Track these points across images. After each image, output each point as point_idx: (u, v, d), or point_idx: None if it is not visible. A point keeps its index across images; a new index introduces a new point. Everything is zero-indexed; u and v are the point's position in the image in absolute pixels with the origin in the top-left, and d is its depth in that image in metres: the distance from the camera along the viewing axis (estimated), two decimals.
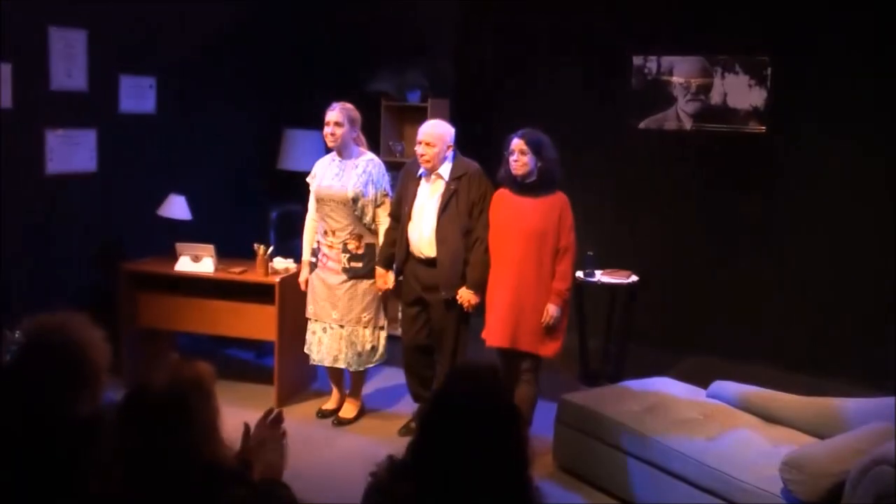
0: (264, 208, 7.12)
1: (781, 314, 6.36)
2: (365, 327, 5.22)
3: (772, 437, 4.13)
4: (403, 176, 5.12)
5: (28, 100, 5.42)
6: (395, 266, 5.10)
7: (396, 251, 5.05)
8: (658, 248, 6.74)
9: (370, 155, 5.24)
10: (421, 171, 4.95)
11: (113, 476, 2.14)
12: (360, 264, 5.16)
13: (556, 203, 4.70)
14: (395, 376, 6.13)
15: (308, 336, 5.38)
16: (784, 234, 6.33)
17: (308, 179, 5.33)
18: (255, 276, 5.57)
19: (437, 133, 4.88)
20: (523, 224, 4.67)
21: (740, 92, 6.44)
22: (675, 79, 6.69)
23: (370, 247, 5.18)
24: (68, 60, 5.69)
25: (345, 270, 5.16)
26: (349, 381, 5.49)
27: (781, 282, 6.36)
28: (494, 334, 4.75)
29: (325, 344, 5.28)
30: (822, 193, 6.20)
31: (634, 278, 6.07)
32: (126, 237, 6.09)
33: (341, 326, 5.22)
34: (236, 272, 5.61)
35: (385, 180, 5.20)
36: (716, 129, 6.56)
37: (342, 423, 5.39)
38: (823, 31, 6.09)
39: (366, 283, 5.18)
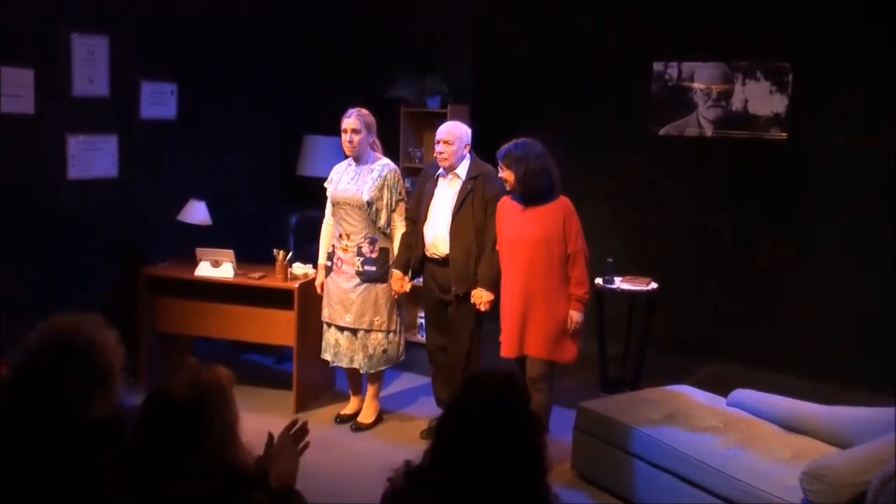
0: (284, 214, 7.15)
1: (802, 322, 6.31)
2: (378, 331, 5.25)
3: (792, 446, 4.10)
4: (421, 177, 5.24)
5: (50, 106, 5.47)
6: (411, 268, 5.17)
7: (413, 253, 5.12)
8: (678, 254, 6.71)
9: (386, 160, 5.29)
10: (439, 171, 5.06)
11: (132, 478, 2.15)
12: (373, 268, 5.18)
13: (558, 210, 4.69)
14: (413, 380, 6.16)
15: (324, 339, 5.40)
16: (805, 242, 6.29)
17: (325, 184, 5.36)
18: (274, 281, 5.58)
19: (455, 132, 4.99)
20: (526, 233, 4.68)
21: (761, 98, 6.41)
22: (696, 85, 6.66)
23: (384, 251, 5.22)
24: (90, 66, 5.74)
25: (358, 274, 5.20)
26: (366, 385, 5.49)
27: (802, 289, 6.31)
28: (505, 345, 4.79)
29: (341, 346, 5.32)
30: (844, 200, 6.15)
31: (654, 285, 6.04)
32: (146, 242, 6.12)
33: (354, 330, 5.25)
34: (255, 277, 5.62)
35: (400, 184, 5.24)
36: (737, 135, 6.53)
37: (360, 427, 5.40)
38: (844, 36, 6.05)
39: (379, 288, 5.21)
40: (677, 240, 6.75)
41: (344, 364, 5.35)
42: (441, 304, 5.10)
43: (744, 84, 6.48)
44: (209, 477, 2.13)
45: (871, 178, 6.05)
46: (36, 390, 2.34)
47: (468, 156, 5.05)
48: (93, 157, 5.82)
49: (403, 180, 5.35)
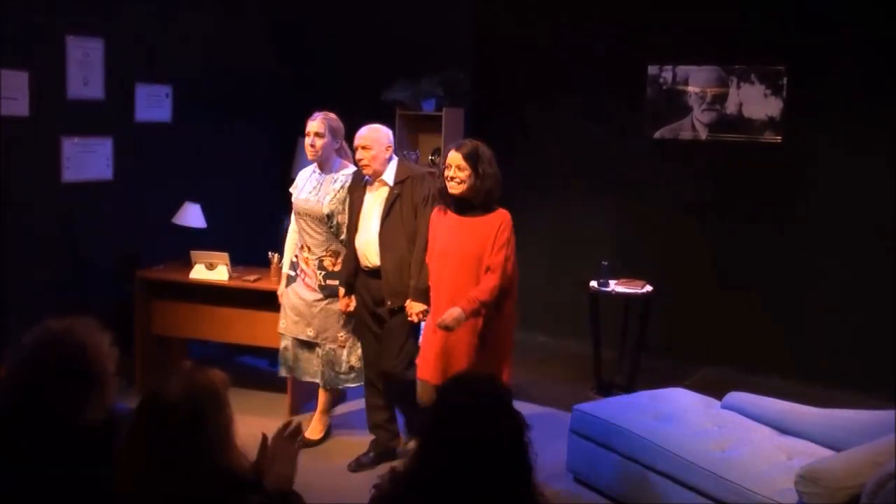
0: (279, 217, 7.13)
1: (796, 325, 6.33)
2: (342, 347, 4.97)
3: (787, 448, 4.10)
4: (350, 187, 4.83)
5: (45, 108, 5.47)
6: (346, 280, 4.83)
7: (344, 264, 4.84)
8: (673, 258, 6.72)
9: (351, 168, 4.90)
10: (366, 178, 4.71)
11: (127, 482, 2.15)
12: (335, 282, 4.89)
13: (494, 223, 4.23)
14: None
15: (280, 352, 5.17)
16: (799, 245, 6.31)
17: (291, 189, 5.09)
18: (269, 284, 5.57)
19: (372, 136, 4.62)
20: (458, 247, 4.25)
21: (756, 101, 6.43)
22: (691, 88, 6.68)
23: None
24: (85, 69, 5.74)
25: (321, 288, 4.93)
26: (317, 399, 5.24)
27: (796, 292, 6.33)
28: (422, 367, 4.37)
29: (300, 360, 5.07)
30: (838, 203, 6.17)
31: (649, 288, 6.05)
32: (141, 245, 6.11)
33: (317, 345, 5.00)
34: (250, 280, 5.61)
35: None
36: (731, 138, 6.54)
37: (307, 444, 4.93)
38: (839, 40, 6.07)
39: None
40: (672, 243, 6.76)
41: (305, 379, 5.12)
42: (374, 317, 4.74)
43: (738, 87, 6.50)
44: (204, 481, 2.13)
45: (865, 181, 6.07)
46: (29, 395, 2.34)
47: (394, 159, 4.69)
48: (87, 160, 5.82)
49: None
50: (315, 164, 5.00)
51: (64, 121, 5.64)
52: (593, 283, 6.03)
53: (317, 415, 5.24)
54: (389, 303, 4.60)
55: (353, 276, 4.78)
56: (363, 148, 4.60)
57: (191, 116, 6.51)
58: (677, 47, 6.67)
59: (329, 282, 4.91)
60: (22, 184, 5.40)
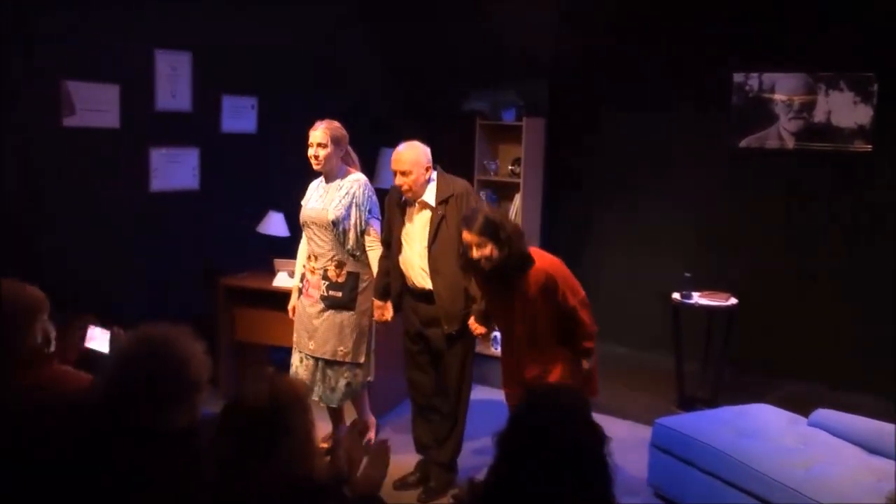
0: None
1: (887, 340, 6.11)
2: (342, 363, 4.82)
3: (875, 469, 3.97)
4: (388, 202, 4.64)
5: (134, 120, 5.64)
6: (392, 301, 4.68)
7: (392, 282, 4.64)
8: (759, 269, 6.58)
9: (357, 175, 4.80)
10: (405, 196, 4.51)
11: (210, 487, 2.18)
12: (339, 294, 4.75)
13: (538, 283, 3.98)
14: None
15: (291, 364, 5.05)
16: (891, 257, 6.10)
17: (302, 202, 4.95)
18: None
19: (411, 159, 4.37)
20: (506, 312, 4.12)
21: (845, 109, 6.25)
22: (778, 96, 6.53)
23: (352, 276, 4.77)
24: (173, 82, 5.89)
25: (323, 299, 4.78)
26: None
27: (888, 306, 6.12)
28: (513, 398, 4.28)
29: (299, 374, 4.90)
30: None
31: (733, 301, 5.93)
32: (225, 252, 6.24)
33: (316, 359, 4.85)
34: None
35: (370, 203, 4.77)
36: (819, 147, 6.37)
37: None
38: None
39: (345, 315, 4.77)
40: (758, 254, 6.62)
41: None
42: (421, 337, 4.59)
43: (827, 95, 6.33)
44: (285, 486, 2.15)
45: None
46: (124, 399, 2.39)
47: (433, 176, 4.45)
48: (174, 170, 5.97)
49: (373, 194, 4.83)
50: (322, 176, 4.87)
51: (152, 132, 5.81)
52: (676, 295, 5.94)
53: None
54: (446, 327, 4.46)
55: (399, 295, 4.64)
56: (403, 174, 4.37)
57: (275, 127, 6.63)
58: (764, 54, 6.53)
59: (331, 293, 4.77)
60: (112, 193, 5.57)
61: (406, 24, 7.56)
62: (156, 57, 5.78)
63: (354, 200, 4.71)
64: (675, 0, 6.80)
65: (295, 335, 4.98)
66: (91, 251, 5.45)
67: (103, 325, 3.04)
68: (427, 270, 4.45)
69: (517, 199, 7.02)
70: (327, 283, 4.78)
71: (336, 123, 4.76)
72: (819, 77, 6.36)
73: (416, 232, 4.48)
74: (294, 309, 5.00)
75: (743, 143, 6.69)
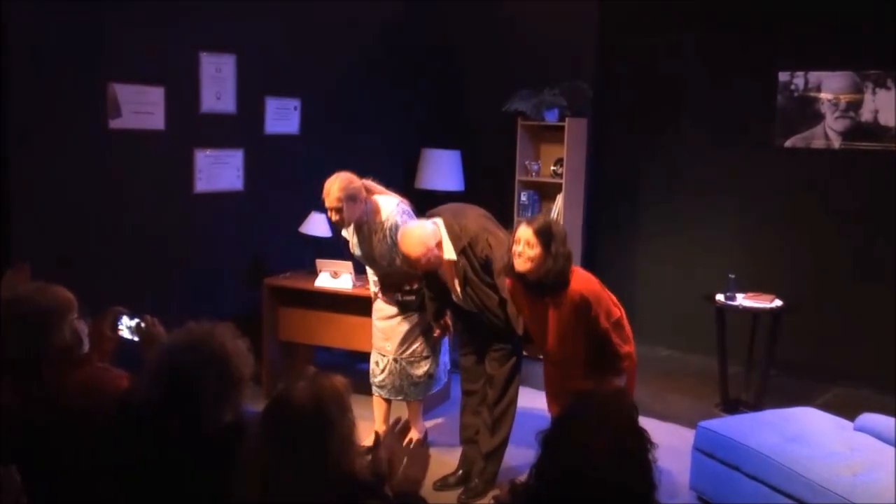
0: None
1: None
2: (420, 359, 5.01)
3: None
4: (426, 282, 4.73)
5: (180, 121, 5.71)
6: (434, 317, 4.86)
7: (443, 309, 4.83)
8: (805, 271, 6.50)
9: (384, 211, 4.81)
10: None
11: (252, 484, 2.20)
12: (412, 297, 4.95)
13: (573, 303, 4.02)
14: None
15: (371, 363, 5.21)
16: None
17: (343, 233, 5.06)
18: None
19: (420, 251, 4.32)
20: (543, 328, 4.18)
21: (893, 108, 6.15)
22: (824, 95, 6.44)
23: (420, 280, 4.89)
24: (218, 84, 5.95)
25: (397, 303, 4.98)
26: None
27: None
28: (554, 409, 4.31)
29: (383, 376, 5.08)
30: None
31: (778, 303, 5.85)
32: (269, 253, 6.30)
33: (395, 360, 5.02)
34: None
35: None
36: (866, 147, 6.28)
37: None
38: None
39: (418, 316, 4.95)
40: (804, 256, 6.54)
41: (385, 395, 5.10)
42: (474, 327, 4.67)
43: (874, 94, 6.24)
44: (327, 484, 2.17)
45: None
46: (169, 396, 2.42)
47: (441, 232, 4.43)
48: (219, 171, 6.03)
49: (406, 218, 4.80)
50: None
51: (197, 134, 5.87)
52: (720, 297, 5.88)
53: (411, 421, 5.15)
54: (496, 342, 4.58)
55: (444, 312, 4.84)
56: (421, 263, 4.38)
57: (318, 128, 6.68)
58: (809, 52, 6.45)
59: (406, 297, 4.95)
60: (157, 194, 5.64)
61: (449, 24, 7.57)
62: (201, 59, 5.84)
63: (392, 240, 4.71)
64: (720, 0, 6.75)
65: (374, 337, 5.14)
66: (136, 252, 5.52)
67: (133, 315, 3.10)
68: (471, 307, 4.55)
69: (559, 199, 7.00)
70: (399, 292, 4.96)
71: (345, 180, 4.70)
72: (866, 75, 6.26)
73: (451, 279, 4.55)
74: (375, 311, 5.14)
75: (788, 143, 6.61)
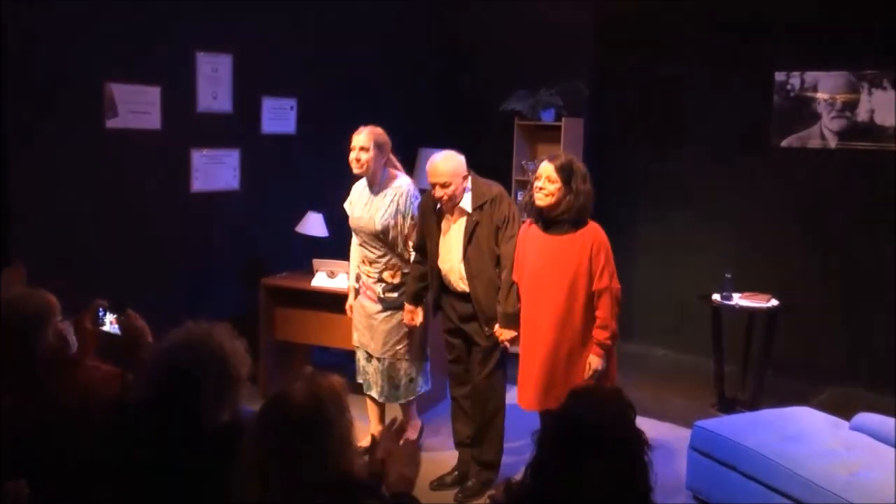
0: None
1: None
2: (402, 360, 4.94)
3: None
4: (421, 210, 4.71)
5: (176, 121, 5.70)
6: (433, 300, 4.76)
7: (430, 285, 4.70)
8: (800, 271, 6.52)
9: (400, 181, 4.84)
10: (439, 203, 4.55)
11: (251, 484, 2.20)
12: (395, 295, 4.87)
13: (586, 240, 4.06)
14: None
15: (357, 363, 5.14)
16: None
17: (345, 205, 5.02)
18: None
19: (449, 170, 4.39)
20: (552, 268, 4.11)
21: (888, 108, 6.16)
22: (820, 95, 6.45)
23: (406, 277, 4.86)
24: (214, 84, 5.95)
25: (380, 300, 4.90)
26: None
27: None
28: (526, 397, 4.30)
29: (369, 373, 5.04)
30: None
31: (774, 302, 5.86)
32: (265, 253, 6.30)
33: (378, 359, 4.96)
34: None
35: (414, 210, 4.80)
36: (862, 147, 6.29)
37: None
38: None
39: (402, 315, 4.87)
40: (799, 255, 6.56)
41: (372, 393, 5.06)
42: (458, 332, 4.64)
43: (870, 94, 6.25)
44: (325, 484, 2.17)
45: None
46: (166, 396, 2.42)
47: (469, 185, 4.48)
48: (216, 171, 6.03)
49: (417, 199, 4.83)
50: (365, 179, 4.89)
51: (194, 133, 5.87)
52: (716, 297, 5.89)
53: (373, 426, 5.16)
54: (486, 330, 4.48)
55: (438, 297, 4.71)
56: (442, 185, 4.41)
57: (314, 128, 6.68)
58: (805, 52, 6.46)
59: (388, 294, 4.88)
60: (153, 194, 5.64)
61: (445, 25, 7.57)
62: (197, 59, 5.84)
63: (399, 209, 4.77)
64: (716, 0, 6.77)
65: (355, 334, 5.08)
66: (133, 252, 5.52)
67: (114, 309, 3.11)
68: (465, 274, 4.50)
69: None
70: (383, 285, 4.89)
71: (380, 129, 4.79)
72: (862, 75, 6.28)
73: (456, 238, 4.52)
74: (351, 308, 5.09)
75: (784, 143, 6.62)
